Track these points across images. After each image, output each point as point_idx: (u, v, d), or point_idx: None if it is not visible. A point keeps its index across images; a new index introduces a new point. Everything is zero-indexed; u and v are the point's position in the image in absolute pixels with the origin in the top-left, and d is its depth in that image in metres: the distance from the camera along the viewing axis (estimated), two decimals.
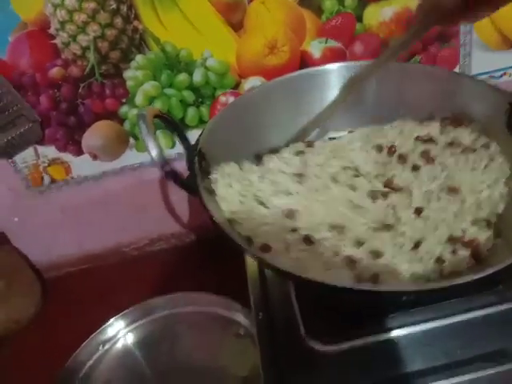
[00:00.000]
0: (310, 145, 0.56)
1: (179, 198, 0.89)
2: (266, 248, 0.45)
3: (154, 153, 0.43)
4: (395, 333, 0.44)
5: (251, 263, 0.57)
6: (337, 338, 0.44)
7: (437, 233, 0.42)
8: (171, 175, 0.45)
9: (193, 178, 0.48)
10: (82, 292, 0.90)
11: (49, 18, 0.65)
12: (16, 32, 0.66)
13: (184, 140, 0.54)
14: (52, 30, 0.66)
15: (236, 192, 0.49)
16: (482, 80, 0.69)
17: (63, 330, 0.81)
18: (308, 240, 0.44)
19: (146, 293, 0.80)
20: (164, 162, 0.43)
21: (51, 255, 0.93)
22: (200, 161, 0.49)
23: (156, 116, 0.48)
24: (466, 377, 0.40)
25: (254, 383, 0.64)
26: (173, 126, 0.54)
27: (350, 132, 0.59)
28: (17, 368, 0.79)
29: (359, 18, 0.70)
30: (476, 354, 0.41)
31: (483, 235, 0.42)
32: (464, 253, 0.40)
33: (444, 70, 0.65)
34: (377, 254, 0.42)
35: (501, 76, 0.77)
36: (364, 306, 0.45)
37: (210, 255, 0.91)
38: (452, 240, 0.42)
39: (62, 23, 0.65)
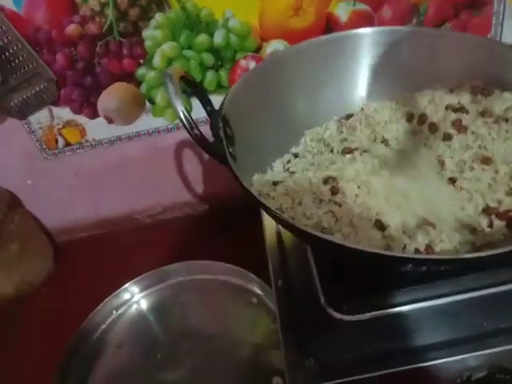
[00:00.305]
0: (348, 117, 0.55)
1: (194, 166, 0.88)
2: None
3: (181, 114, 0.41)
4: (418, 304, 0.43)
5: (270, 231, 0.57)
6: (357, 307, 0.43)
7: (471, 203, 0.41)
8: (199, 139, 0.43)
9: (218, 144, 0.46)
10: (94, 257, 0.90)
11: None
12: None
13: (208, 105, 0.52)
14: None
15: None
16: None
17: (76, 294, 0.82)
18: (337, 203, 0.43)
19: (159, 260, 0.80)
20: (192, 125, 0.42)
21: (64, 219, 0.93)
22: (224, 126, 0.48)
23: (181, 77, 0.46)
24: (492, 349, 0.39)
25: (266, 350, 0.64)
26: (197, 89, 0.52)
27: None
28: (31, 329, 0.80)
29: None
30: (501, 326, 0.41)
31: None
32: (499, 223, 0.39)
33: (478, 37, 0.62)
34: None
35: None
36: (387, 276, 0.45)
37: (222, 225, 0.91)
38: (487, 210, 0.40)
39: None
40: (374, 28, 0.54)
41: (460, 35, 0.61)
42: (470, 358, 0.39)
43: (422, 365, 0.39)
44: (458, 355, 0.39)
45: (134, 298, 0.75)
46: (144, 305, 0.75)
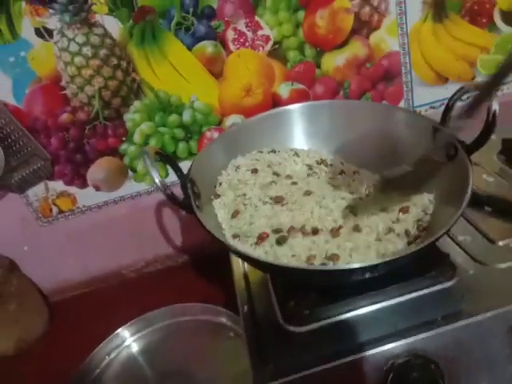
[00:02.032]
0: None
1: (172, 222, 1.00)
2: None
3: (157, 180, 0.54)
4: (353, 313, 0.55)
5: (237, 267, 0.69)
6: (306, 320, 0.55)
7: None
8: (171, 197, 0.56)
9: (187, 199, 0.59)
10: (85, 313, 0.97)
11: (60, 73, 0.78)
12: (32, 85, 0.79)
13: (177, 170, 0.64)
14: (63, 83, 0.79)
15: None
16: (409, 110, 0.84)
17: (70, 346, 0.88)
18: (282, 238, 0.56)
19: (145, 309, 0.88)
20: (165, 187, 0.55)
21: (57, 280, 1.01)
22: (192, 186, 0.61)
23: (156, 152, 0.60)
24: (408, 340, 0.51)
25: (246, 375, 0.73)
26: (168, 159, 0.66)
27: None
28: (28, 381, 0.86)
29: (318, 65, 0.85)
30: (415, 323, 0.53)
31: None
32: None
33: (382, 105, 0.80)
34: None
35: (440, 105, 0.92)
36: (326, 289, 0.56)
37: (201, 273, 1.02)
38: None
39: (72, 77, 0.78)
40: (302, 103, 0.71)
41: (367, 104, 0.79)
42: (392, 349, 0.50)
43: (355, 357, 0.50)
44: (382, 346, 0.51)
45: (125, 342, 0.83)
46: (134, 348, 0.83)
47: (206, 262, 1.00)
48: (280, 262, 0.49)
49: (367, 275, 0.50)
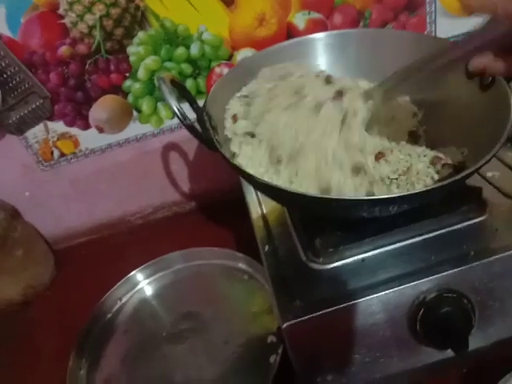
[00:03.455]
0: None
1: (179, 167, 0.96)
2: None
3: (176, 109, 0.50)
4: (380, 249, 0.53)
5: (254, 208, 0.66)
6: (330, 258, 0.53)
7: None
8: (192, 129, 0.52)
9: (207, 132, 0.55)
10: (92, 260, 0.96)
11: (58, 0, 0.71)
12: (27, 14, 0.72)
13: (193, 103, 0.61)
14: (61, 11, 0.72)
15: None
16: (440, 38, 0.79)
17: (78, 293, 0.88)
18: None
19: (154, 255, 0.86)
20: (185, 116, 0.51)
21: (60, 227, 0.99)
22: (209, 119, 0.57)
23: (171, 81, 0.56)
24: (440, 274, 0.49)
25: (260, 316, 0.72)
26: (184, 90, 0.61)
27: None
28: (38, 329, 0.85)
29: None
30: (445, 257, 0.51)
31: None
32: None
33: (409, 33, 0.74)
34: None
35: None
36: (350, 226, 0.54)
37: (210, 219, 1.00)
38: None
39: (71, 4, 0.72)
40: (324, 32, 0.65)
41: (395, 32, 0.74)
42: (422, 284, 0.49)
43: (384, 292, 0.49)
44: (412, 282, 0.49)
45: (137, 286, 0.82)
46: (146, 292, 0.82)
47: (214, 209, 0.98)
48: (312, 193, 0.46)
49: (393, 209, 0.47)
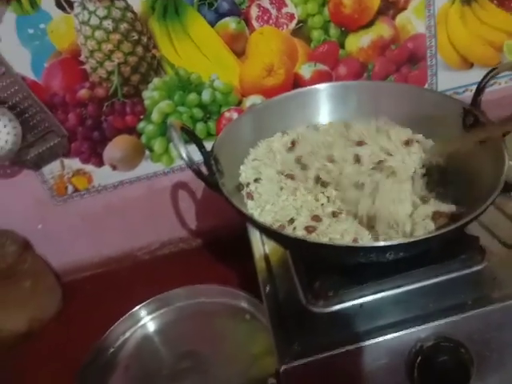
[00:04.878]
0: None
1: (187, 204, 0.99)
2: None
3: (184, 154, 0.52)
4: (379, 295, 0.54)
5: (257, 248, 0.68)
6: (330, 301, 0.54)
7: None
8: (198, 173, 0.54)
9: (212, 175, 0.58)
10: (98, 293, 0.97)
11: (80, 48, 0.77)
12: (51, 59, 0.78)
13: (201, 147, 0.64)
14: (82, 58, 0.78)
15: None
16: (439, 92, 0.82)
17: (83, 326, 0.87)
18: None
19: (158, 291, 0.88)
20: (192, 161, 0.53)
21: (70, 260, 1.01)
22: (216, 163, 0.60)
23: (181, 127, 0.59)
24: (436, 322, 0.50)
25: (261, 358, 0.72)
26: (193, 136, 0.64)
27: None
28: (41, 361, 0.85)
29: (342, 45, 0.83)
30: (444, 305, 0.52)
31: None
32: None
33: (410, 86, 0.78)
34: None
35: (463, 92, 0.90)
36: (350, 270, 0.55)
37: (215, 256, 1.01)
38: None
39: (92, 52, 0.77)
40: (327, 83, 0.69)
41: (396, 85, 0.77)
42: (420, 331, 0.50)
43: (382, 338, 0.49)
44: (410, 329, 0.50)
45: (140, 322, 0.83)
46: (149, 328, 0.83)
47: (220, 246, 0.99)
48: (317, 240, 0.48)
49: (391, 255, 0.48)
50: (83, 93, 0.81)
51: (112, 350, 0.80)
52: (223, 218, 0.99)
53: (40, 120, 0.82)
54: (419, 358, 0.49)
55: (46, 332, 0.91)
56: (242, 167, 0.65)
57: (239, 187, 0.63)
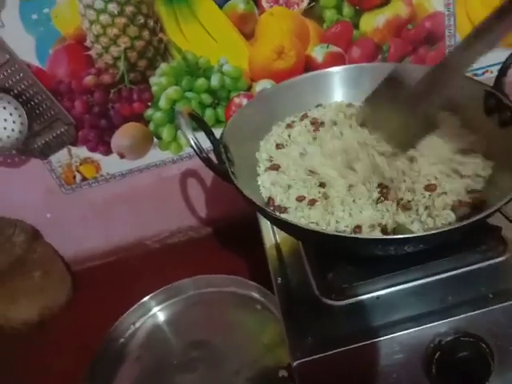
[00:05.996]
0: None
1: (197, 193, 0.97)
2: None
3: (192, 142, 0.50)
4: (395, 288, 0.52)
5: (268, 238, 0.66)
6: (344, 294, 0.52)
7: None
8: (207, 161, 0.52)
9: (222, 164, 0.56)
10: (108, 282, 0.96)
11: (85, 33, 0.75)
12: (56, 45, 0.75)
13: (211, 135, 0.61)
14: (87, 43, 0.76)
15: None
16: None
17: (93, 315, 0.88)
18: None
19: (168, 280, 0.87)
20: (201, 149, 0.51)
21: (79, 249, 1.01)
22: (225, 151, 0.58)
23: (189, 114, 0.57)
24: (456, 317, 0.48)
25: (272, 349, 0.71)
26: (201, 123, 0.62)
27: None
28: (52, 349, 0.86)
29: (356, 26, 0.79)
30: (463, 299, 0.49)
31: None
32: None
33: (428, 68, 0.74)
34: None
35: (483, 74, 0.86)
36: (365, 262, 0.53)
37: (225, 245, 1.00)
38: None
39: (97, 36, 0.75)
40: (341, 66, 0.66)
41: (411, 67, 0.74)
42: (438, 326, 0.48)
43: (399, 333, 0.48)
44: (429, 323, 0.48)
45: (151, 311, 0.82)
46: (160, 318, 0.82)
47: (230, 235, 0.98)
48: (329, 231, 0.45)
49: (409, 248, 0.46)
50: (89, 79, 0.79)
51: (122, 340, 0.80)
52: (233, 206, 0.97)
53: (46, 108, 0.81)
54: (438, 353, 0.48)
55: (57, 321, 0.92)
56: (261, 142, 0.64)
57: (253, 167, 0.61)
